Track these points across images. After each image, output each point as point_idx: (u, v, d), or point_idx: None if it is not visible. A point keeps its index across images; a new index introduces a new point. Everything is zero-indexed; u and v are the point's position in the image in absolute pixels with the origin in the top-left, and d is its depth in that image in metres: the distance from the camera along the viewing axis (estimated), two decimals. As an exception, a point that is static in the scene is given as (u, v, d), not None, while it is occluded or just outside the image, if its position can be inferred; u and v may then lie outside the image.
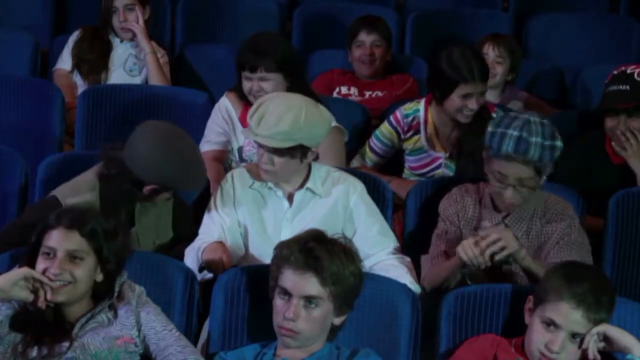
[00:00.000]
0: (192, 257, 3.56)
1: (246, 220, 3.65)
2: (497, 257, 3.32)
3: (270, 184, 3.64)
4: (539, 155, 3.42)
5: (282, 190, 3.65)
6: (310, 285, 3.03)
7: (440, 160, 4.37)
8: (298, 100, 3.60)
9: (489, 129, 3.50)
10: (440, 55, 4.27)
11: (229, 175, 3.73)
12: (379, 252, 3.62)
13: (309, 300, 3.03)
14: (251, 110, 3.58)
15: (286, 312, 3.03)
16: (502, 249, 3.34)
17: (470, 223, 3.61)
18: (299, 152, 3.56)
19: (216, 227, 3.63)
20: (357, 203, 3.65)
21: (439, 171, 4.37)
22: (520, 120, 3.46)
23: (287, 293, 3.04)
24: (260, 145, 3.57)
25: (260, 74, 4.19)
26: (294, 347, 3.08)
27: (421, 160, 4.40)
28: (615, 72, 4.24)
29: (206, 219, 3.68)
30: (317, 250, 3.03)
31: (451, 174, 4.32)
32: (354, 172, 3.95)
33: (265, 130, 3.51)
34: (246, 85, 4.25)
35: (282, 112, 3.50)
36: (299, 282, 3.03)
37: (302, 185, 3.64)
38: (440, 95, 4.26)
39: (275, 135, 3.50)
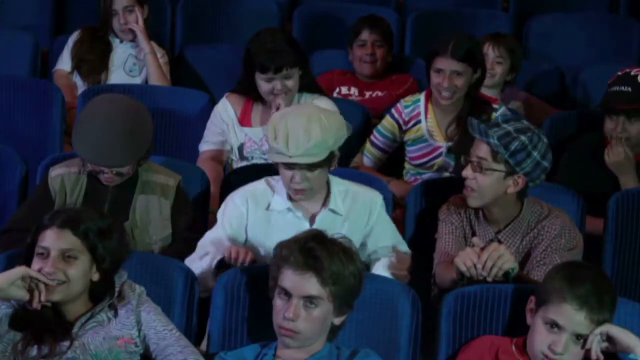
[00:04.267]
0: (199, 268, 3.48)
1: (262, 244, 3.57)
2: (494, 272, 3.27)
3: (289, 205, 3.56)
4: (498, 137, 3.41)
5: (301, 211, 3.57)
6: (310, 285, 3.02)
7: (441, 150, 4.40)
8: (311, 109, 3.55)
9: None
10: None
11: (242, 196, 3.59)
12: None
13: (309, 300, 3.03)
14: (269, 133, 3.46)
15: (286, 312, 3.02)
16: (500, 259, 3.27)
17: (465, 235, 3.61)
18: (329, 159, 3.50)
19: (220, 238, 3.56)
20: (379, 220, 3.63)
21: (439, 160, 4.39)
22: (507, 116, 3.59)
23: (287, 293, 3.04)
24: (290, 166, 3.46)
25: (285, 72, 4.18)
26: (294, 347, 3.08)
27: (422, 150, 4.43)
28: (619, 73, 4.25)
29: (211, 233, 3.59)
30: (316, 250, 3.03)
31: (451, 162, 4.36)
32: (353, 172, 3.96)
33: (298, 149, 3.41)
34: (266, 86, 4.21)
35: (307, 125, 3.42)
36: (299, 282, 3.03)
37: (324, 204, 3.58)
38: (426, 71, 4.37)
39: (311, 151, 3.42)
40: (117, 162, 3.62)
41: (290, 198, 3.57)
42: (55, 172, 3.73)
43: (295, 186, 3.50)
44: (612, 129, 4.18)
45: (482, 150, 3.48)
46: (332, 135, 3.46)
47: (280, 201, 3.59)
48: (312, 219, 3.57)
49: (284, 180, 3.53)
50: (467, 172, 3.50)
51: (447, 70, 4.28)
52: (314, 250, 3.03)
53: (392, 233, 3.69)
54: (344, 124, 3.55)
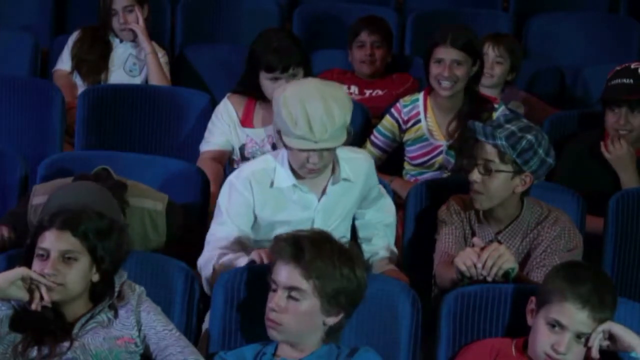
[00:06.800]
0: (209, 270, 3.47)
1: (272, 223, 3.54)
2: (494, 271, 3.26)
3: (294, 181, 3.50)
4: (505, 137, 3.42)
5: (307, 185, 3.52)
6: (293, 276, 3.02)
7: (442, 148, 4.40)
8: (318, 86, 3.44)
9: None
10: None
11: (244, 180, 3.51)
12: (378, 239, 3.76)
13: (292, 291, 3.02)
14: (286, 119, 3.34)
15: (270, 302, 3.04)
16: (500, 258, 3.27)
17: (465, 236, 3.61)
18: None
19: (230, 234, 3.50)
20: (375, 184, 3.70)
21: (440, 158, 4.40)
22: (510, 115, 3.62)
23: (276, 285, 3.05)
24: (308, 150, 3.37)
25: (291, 71, 4.17)
26: (282, 342, 3.08)
27: (422, 149, 4.44)
28: (618, 68, 4.26)
29: (219, 229, 3.52)
30: (304, 244, 3.03)
31: (451, 160, 4.37)
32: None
33: (324, 134, 3.34)
34: (272, 86, 4.16)
35: (326, 107, 3.34)
36: (283, 272, 3.03)
37: (333, 174, 3.53)
38: (425, 64, 4.39)
39: (336, 133, 3.36)
40: None
41: (295, 174, 3.52)
42: (37, 200, 3.56)
43: (312, 167, 3.44)
44: (615, 122, 4.18)
45: (488, 152, 3.47)
46: (349, 112, 3.42)
47: (284, 177, 3.52)
48: (323, 192, 3.55)
49: (297, 161, 3.44)
50: (474, 176, 3.49)
51: (447, 60, 4.30)
52: (301, 242, 3.03)
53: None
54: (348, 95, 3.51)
